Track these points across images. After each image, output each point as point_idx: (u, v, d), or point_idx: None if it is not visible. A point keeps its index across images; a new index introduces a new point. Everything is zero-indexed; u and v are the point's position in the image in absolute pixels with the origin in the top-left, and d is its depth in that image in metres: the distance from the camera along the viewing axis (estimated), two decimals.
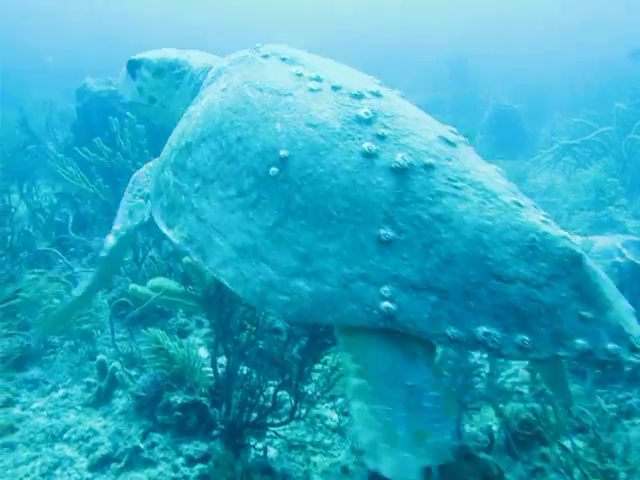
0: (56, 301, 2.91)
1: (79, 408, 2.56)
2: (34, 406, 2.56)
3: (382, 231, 1.66)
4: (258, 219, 1.85)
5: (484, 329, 1.54)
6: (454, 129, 2.01)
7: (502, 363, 2.95)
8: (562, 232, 1.71)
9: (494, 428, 2.51)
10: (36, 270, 3.10)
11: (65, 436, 2.37)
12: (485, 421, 2.62)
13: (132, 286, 2.62)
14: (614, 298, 1.73)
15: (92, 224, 3.98)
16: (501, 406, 2.46)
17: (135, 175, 2.36)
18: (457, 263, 1.62)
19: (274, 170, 1.84)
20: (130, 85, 2.90)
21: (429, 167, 1.75)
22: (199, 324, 3.31)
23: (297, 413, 2.30)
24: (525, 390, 2.94)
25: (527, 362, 2.68)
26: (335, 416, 2.67)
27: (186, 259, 2.17)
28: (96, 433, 2.38)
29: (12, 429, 2.37)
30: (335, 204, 1.75)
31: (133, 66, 2.85)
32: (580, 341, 1.56)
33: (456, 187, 1.75)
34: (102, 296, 3.30)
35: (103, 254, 2.22)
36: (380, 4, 38.43)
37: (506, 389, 2.93)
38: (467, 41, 22.21)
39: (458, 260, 1.62)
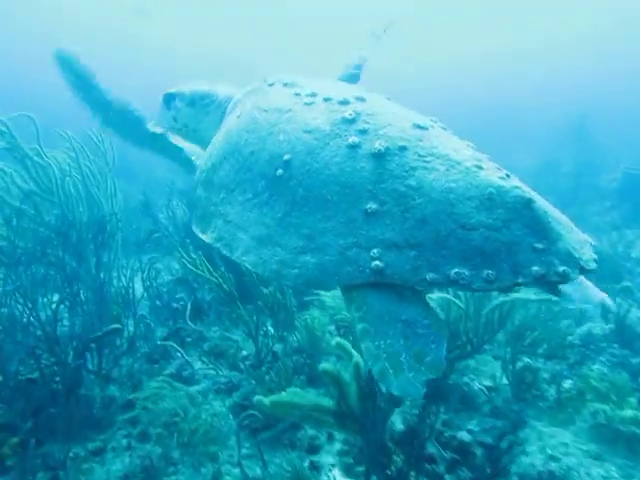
0: (180, 413, 2.59)
1: None
2: None
3: (368, 205, 2.03)
4: (270, 213, 2.25)
5: (456, 270, 1.86)
6: (434, 118, 2.46)
7: None
8: (514, 183, 2.04)
9: None
10: (158, 379, 2.84)
11: None
12: None
13: (258, 398, 2.27)
14: (566, 231, 2.07)
15: (208, 310, 3.75)
16: None
17: None
18: (429, 221, 1.96)
19: (280, 172, 2.25)
20: (166, 115, 3.44)
21: (403, 148, 2.14)
22: (330, 438, 2.85)
23: None
24: None
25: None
26: None
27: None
28: None
29: None
30: (329, 190, 2.15)
31: (169, 98, 3.42)
32: (535, 268, 1.87)
33: (426, 161, 2.12)
34: (222, 400, 2.98)
35: None
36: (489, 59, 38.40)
37: None
38: (586, 94, 21.19)
39: (430, 219, 1.96)
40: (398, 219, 2.04)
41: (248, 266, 2.23)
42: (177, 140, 3.24)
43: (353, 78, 3.82)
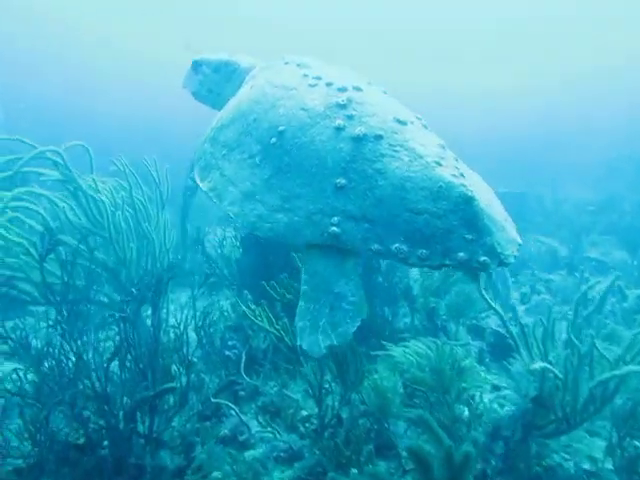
0: None
1: None
2: None
3: (338, 180, 2.44)
4: (259, 173, 2.63)
5: (397, 245, 2.30)
6: (419, 116, 2.88)
7: None
8: (462, 182, 2.39)
9: None
10: (211, 442, 2.54)
11: None
12: None
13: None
14: (497, 229, 2.41)
15: (263, 360, 3.45)
16: None
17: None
18: (385, 202, 2.37)
19: (274, 140, 2.66)
20: (193, 79, 3.90)
21: (378, 137, 2.53)
22: None
23: None
24: None
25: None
26: None
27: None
28: None
29: None
30: (310, 162, 2.51)
31: (196, 64, 3.89)
32: (461, 254, 2.27)
33: (394, 150, 2.49)
34: (282, 471, 2.66)
35: None
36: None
37: None
38: None
39: (386, 200, 2.37)
40: (360, 195, 2.41)
41: (231, 215, 2.65)
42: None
43: None
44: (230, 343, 3.57)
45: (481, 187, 2.73)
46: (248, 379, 3.18)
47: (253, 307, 2.91)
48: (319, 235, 2.41)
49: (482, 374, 2.96)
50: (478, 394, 3.12)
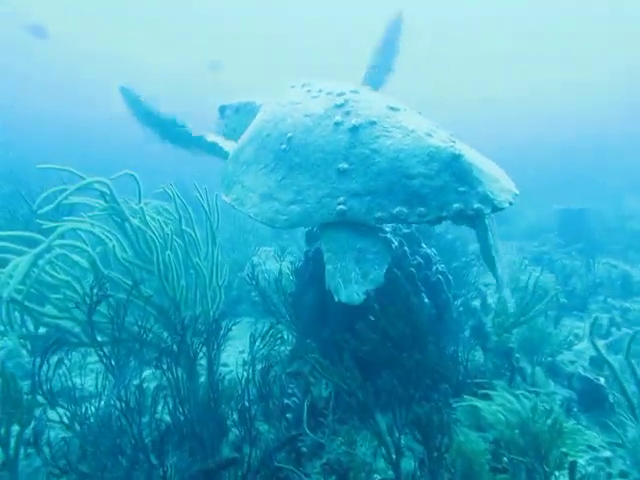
0: None
1: None
2: None
3: (340, 165, 2.80)
4: (273, 177, 3.04)
5: (397, 209, 2.57)
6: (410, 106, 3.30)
7: None
8: (450, 144, 2.72)
9: None
10: None
11: None
12: None
13: None
14: (488, 180, 2.69)
15: (325, 409, 3.12)
16: None
17: None
18: (383, 174, 2.69)
19: (284, 146, 3.09)
20: (219, 122, 4.50)
21: (372, 123, 2.91)
22: None
23: None
24: None
25: None
26: None
27: None
28: None
29: None
30: (316, 157, 2.90)
31: (222, 109, 4.52)
32: (456, 205, 2.53)
33: (388, 131, 2.85)
34: None
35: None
36: None
37: None
38: None
39: (384, 172, 2.69)
40: (361, 174, 2.70)
41: (252, 215, 2.98)
42: (216, 138, 4.11)
43: (375, 81, 4.39)
44: (289, 391, 3.27)
45: (477, 157, 3.01)
46: (312, 435, 2.85)
47: (320, 360, 2.58)
48: (328, 215, 2.74)
49: (585, 436, 2.55)
50: (580, 460, 2.70)
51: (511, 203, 2.70)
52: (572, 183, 16.15)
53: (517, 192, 2.85)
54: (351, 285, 2.65)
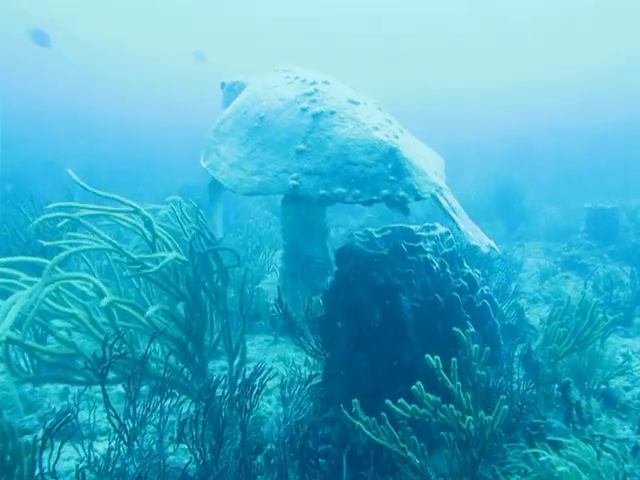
0: None
1: None
2: None
3: (299, 146, 3.23)
4: (244, 150, 3.51)
5: (338, 189, 2.99)
6: (377, 101, 3.84)
7: None
8: (392, 139, 3.16)
9: None
10: None
11: None
12: None
13: None
14: (417, 174, 3.11)
15: (365, 459, 2.76)
16: None
17: None
18: (332, 159, 3.11)
19: (256, 124, 3.58)
20: (222, 95, 5.14)
21: (332, 112, 3.35)
22: None
23: None
24: None
25: None
26: None
27: None
28: None
29: None
30: (281, 137, 3.35)
31: (222, 85, 5.14)
32: (384, 191, 2.97)
33: (343, 122, 3.29)
34: None
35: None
36: None
37: None
38: None
39: (332, 157, 3.12)
40: (314, 156, 3.14)
41: (220, 181, 3.46)
42: None
43: None
44: (322, 433, 2.91)
45: (418, 151, 3.52)
46: None
47: (361, 417, 2.22)
48: (282, 188, 3.14)
49: None
50: None
51: (433, 194, 3.15)
52: (596, 175, 15.58)
53: (442, 186, 3.30)
54: (295, 291, 4.03)
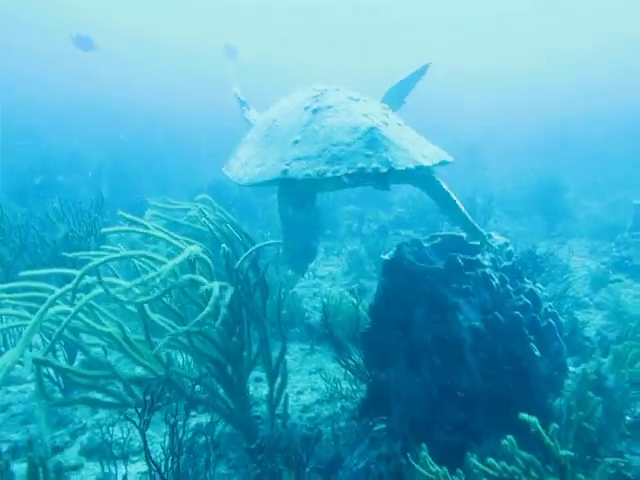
0: None
1: None
2: None
3: (295, 137, 3.49)
4: (254, 149, 3.82)
5: (319, 167, 3.20)
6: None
7: None
8: (375, 121, 3.43)
9: None
10: None
11: None
12: None
13: None
14: (394, 149, 3.29)
15: None
16: None
17: None
18: (318, 143, 3.36)
19: (269, 127, 3.89)
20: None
21: (329, 107, 3.62)
22: None
23: None
24: None
25: None
26: None
27: None
28: None
29: None
30: (284, 133, 3.66)
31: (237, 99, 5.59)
32: (360, 164, 3.14)
33: (337, 113, 3.57)
34: None
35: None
36: None
37: None
38: None
39: (319, 142, 3.37)
40: (307, 143, 3.44)
41: (229, 176, 3.89)
42: (250, 114, 5.26)
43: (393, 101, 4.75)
44: (374, 468, 2.66)
45: (412, 138, 3.63)
46: None
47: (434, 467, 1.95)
48: (275, 173, 3.37)
49: None
50: None
51: (410, 168, 3.23)
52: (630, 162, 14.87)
53: (425, 164, 3.32)
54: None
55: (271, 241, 4.19)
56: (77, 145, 18.27)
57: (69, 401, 2.69)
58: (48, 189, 11.45)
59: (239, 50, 16.95)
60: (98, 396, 2.83)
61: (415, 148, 3.46)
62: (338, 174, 3.17)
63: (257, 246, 3.18)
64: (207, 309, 2.21)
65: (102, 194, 6.65)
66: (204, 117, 28.89)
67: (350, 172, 3.13)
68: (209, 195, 4.46)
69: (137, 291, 2.59)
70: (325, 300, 4.54)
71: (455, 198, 3.82)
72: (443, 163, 3.58)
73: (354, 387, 3.90)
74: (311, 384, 4.15)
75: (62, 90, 38.42)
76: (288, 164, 3.32)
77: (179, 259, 2.33)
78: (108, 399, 2.77)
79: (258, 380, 4.18)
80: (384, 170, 3.13)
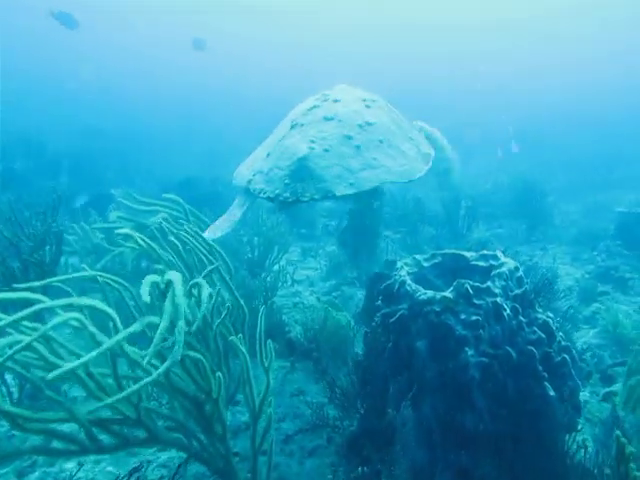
0: None
1: None
2: None
3: (269, 149, 4.08)
4: (263, 156, 4.05)
5: (258, 186, 3.69)
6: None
7: None
8: (317, 147, 3.69)
9: None
10: None
11: None
12: None
13: None
14: (313, 180, 3.60)
15: None
16: None
17: None
18: (273, 161, 3.86)
19: (284, 134, 4.11)
20: None
21: (302, 125, 3.98)
22: None
23: None
24: None
25: None
26: None
27: None
28: None
29: None
30: (269, 142, 4.29)
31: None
32: (277, 190, 3.61)
33: (301, 132, 3.88)
34: None
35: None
36: None
37: None
38: None
39: (273, 160, 3.86)
40: (270, 159, 3.88)
41: (235, 183, 4.18)
42: None
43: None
44: None
45: (379, 148, 3.94)
46: None
47: None
48: (242, 182, 3.94)
49: None
50: None
51: (315, 199, 3.53)
52: (616, 166, 14.96)
53: (336, 193, 3.58)
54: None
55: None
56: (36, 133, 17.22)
57: (17, 452, 2.24)
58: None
59: (207, 42, 16.44)
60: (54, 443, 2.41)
61: (347, 176, 3.66)
62: (264, 196, 3.58)
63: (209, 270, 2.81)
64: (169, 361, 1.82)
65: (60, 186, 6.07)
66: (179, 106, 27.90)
67: (271, 196, 3.54)
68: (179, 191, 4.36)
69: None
70: (308, 314, 4.18)
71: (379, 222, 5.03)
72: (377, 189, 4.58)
73: (340, 414, 3.58)
74: (293, 409, 3.80)
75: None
76: (252, 176, 3.85)
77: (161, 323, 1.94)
78: (63, 446, 2.36)
79: (236, 404, 3.80)
80: (291, 200, 3.49)
